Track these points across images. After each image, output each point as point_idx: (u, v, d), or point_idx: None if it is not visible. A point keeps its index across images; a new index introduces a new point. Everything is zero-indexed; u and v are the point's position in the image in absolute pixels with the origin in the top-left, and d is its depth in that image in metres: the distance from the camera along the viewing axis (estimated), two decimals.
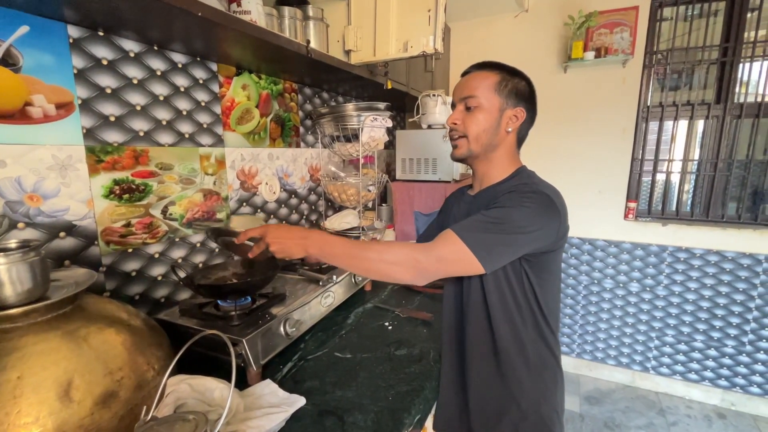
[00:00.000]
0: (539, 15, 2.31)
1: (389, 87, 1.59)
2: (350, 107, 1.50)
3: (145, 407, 0.58)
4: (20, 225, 0.79)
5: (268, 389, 0.82)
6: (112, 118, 0.94)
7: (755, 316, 2.11)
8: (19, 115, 0.78)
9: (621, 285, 2.39)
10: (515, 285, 0.79)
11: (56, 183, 0.84)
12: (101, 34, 0.90)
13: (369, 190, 1.71)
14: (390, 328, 1.14)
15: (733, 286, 2.13)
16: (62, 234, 0.86)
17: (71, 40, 0.85)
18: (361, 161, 1.61)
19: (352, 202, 1.67)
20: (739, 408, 2.21)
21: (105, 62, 0.91)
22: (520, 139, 0.88)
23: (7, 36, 0.75)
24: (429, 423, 0.98)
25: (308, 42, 1.14)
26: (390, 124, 1.58)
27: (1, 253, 0.59)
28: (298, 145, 1.60)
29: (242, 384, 0.83)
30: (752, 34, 2.00)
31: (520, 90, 0.83)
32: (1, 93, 0.74)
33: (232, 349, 0.59)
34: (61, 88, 0.84)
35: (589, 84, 2.27)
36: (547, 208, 0.75)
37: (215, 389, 0.71)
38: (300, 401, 0.78)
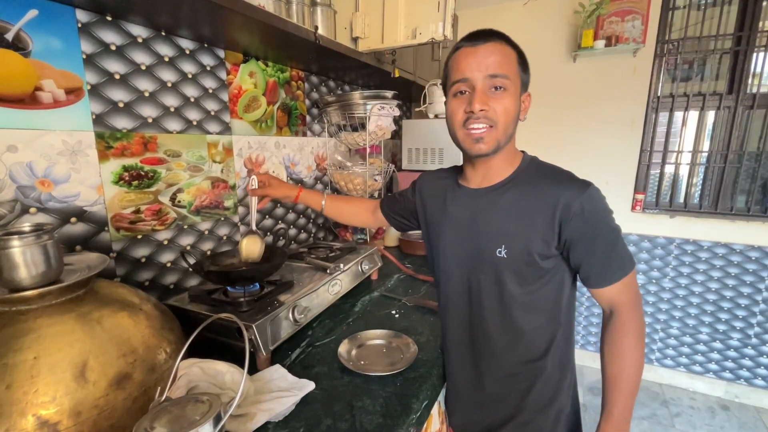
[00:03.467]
0: (549, 3, 2.27)
1: (396, 75, 1.58)
2: (357, 95, 1.49)
3: (159, 388, 0.58)
4: (32, 210, 0.80)
5: (277, 374, 0.83)
6: (121, 104, 0.93)
7: (762, 309, 2.10)
8: (30, 100, 0.78)
9: None
10: (567, 283, 0.79)
11: (67, 168, 0.84)
12: (109, 19, 0.89)
13: (375, 180, 1.70)
14: (397, 316, 1.15)
15: (740, 279, 2.12)
16: (73, 219, 0.86)
17: (80, 25, 0.84)
18: (368, 150, 1.61)
19: (358, 191, 1.66)
20: (743, 400, 2.21)
21: (113, 47, 0.91)
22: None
23: (16, 19, 0.75)
24: (435, 409, 0.99)
25: (316, 28, 1.13)
26: (397, 112, 1.57)
27: (16, 236, 0.59)
28: (304, 134, 1.59)
29: (252, 369, 0.84)
30: (767, 23, 1.95)
31: (528, 74, 0.78)
32: (12, 77, 0.74)
33: (245, 332, 0.60)
34: (71, 73, 0.84)
35: (598, 73, 2.24)
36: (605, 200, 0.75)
37: (226, 373, 0.71)
38: (309, 386, 0.79)
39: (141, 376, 0.64)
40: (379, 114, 1.52)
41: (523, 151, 0.84)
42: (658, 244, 2.27)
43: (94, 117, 0.88)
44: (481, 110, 0.71)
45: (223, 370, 0.71)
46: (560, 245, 0.74)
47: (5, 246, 0.58)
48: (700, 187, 2.23)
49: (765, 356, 2.14)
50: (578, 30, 2.15)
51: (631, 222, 2.31)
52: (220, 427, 0.51)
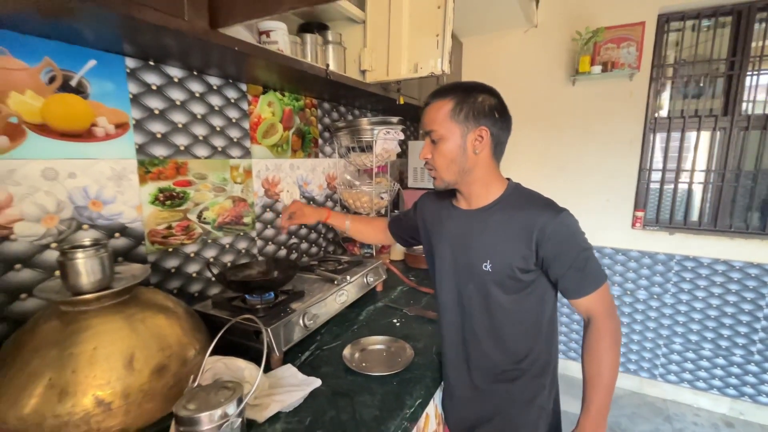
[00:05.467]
0: (548, 30, 2.40)
1: (401, 102, 1.71)
2: (365, 121, 1.63)
3: (192, 377, 0.70)
4: (84, 226, 0.94)
5: (288, 372, 0.94)
6: (159, 135, 1.08)
7: (764, 325, 2.13)
8: (87, 135, 0.93)
9: (628, 292, 2.43)
10: (549, 294, 0.90)
11: (113, 191, 0.99)
12: (152, 63, 1.05)
13: (382, 198, 1.82)
14: (398, 324, 1.25)
15: (741, 295, 2.16)
16: (117, 234, 1.00)
17: (128, 70, 1.00)
18: (375, 171, 1.74)
19: (365, 208, 1.79)
20: (749, 417, 2.22)
21: (154, 87, 1.06)
22: (498, 152, 0.89)
23: (79, 68, 0.91)
24: (431, 410, 1.08)
25: (327, 66, 1.27)
26: (402, 136, 1.70)
27: (80, 249, 0.73)
28: (316, 156, 1.73)
29: (266, 368, 0.95)
30: (759, 46, 2.04)
31: (477, 109, 0.83)
32: (74, 117, 0.90)
33: (264, 332, 0.71)
34: (119, 111, 0.99)
35: (597, 96, 2.34)
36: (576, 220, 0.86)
37: (245, 368, 0.83)
38: (316, 382, 0.90)
39: (176, 367, 0.76)
40: (385, 138, 1.65)
41: (508, 179, 0.94)
42: (658, 260, 2.33)
43: (137, 147, 1.03)
44: (425, 159, 0.90)
45: (242, 366, 0.83)
46: (538, 262, 0.84)
47: (72, 257, 0.72)
48: (699, 204, 2.29)
49: None
50: (576, 56, 2.26)
51: (631, 239, 2.38)
52: (241, 407, 0.63)
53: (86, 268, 0.73)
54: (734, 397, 2.24)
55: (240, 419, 0.63)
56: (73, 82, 0.90)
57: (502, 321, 0.89)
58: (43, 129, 0.85)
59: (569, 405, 1.60)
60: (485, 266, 0.87)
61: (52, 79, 0.86)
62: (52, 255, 0.88)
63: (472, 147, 0.85)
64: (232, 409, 0.61)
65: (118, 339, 0.71)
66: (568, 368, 2.66)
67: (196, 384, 0.68)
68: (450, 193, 1.00)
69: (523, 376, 0.91)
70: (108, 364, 0.68)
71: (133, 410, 0.69)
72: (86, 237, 0.92)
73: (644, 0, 2.13)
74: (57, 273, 0.88)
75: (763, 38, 2.03)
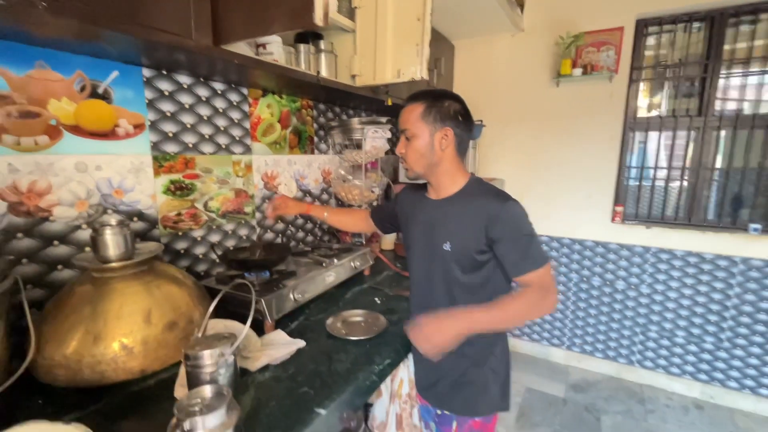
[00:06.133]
0: (534, 35, 2.54)
1: (389, 104, 1.87)
2: (355, 121, 1.79)
3: (197, 329, 0.88)
4: (109, 211, 1.12)
5: (278, 336, 1.11)
6: (170, 134, 1.26)
7: (732, 314, 2.26)
8: (111, 134, 1.10)
9: (608, 283, 2.57)
10: (498, 273, 1.03)
11: (133, 182, 1.16)
12: (165, 73, 1.22)
13: (372, 191, 1.99)
14: (379, 302, 1.42)
15: (711, 285, 2.29)
16: (135, 219, 1.18)
17: (145, 79, 1.17)
18: (364, 166, 1.90)
19: (356, 200, 1.95)
20: (718, 401, 2.35)
21: (166, 93, 1.24)
22: (462, 150, 1.04)
23: (104, 78, 1.08)
24: (405, 375, 1.25)
25: (318, 73, 1.43)
26: (389, 135, 1.86)
27: (108, 227, 0.90)
28: (312, 152, 1.90)
29: (260, 332, 1.13)
30: (731, 51, 2.16)
31: (444, 113, 0.98)
32: (101, 119, 1.07)
33: (259, 288, 0.88)
34: (138, 114, 1.16)
35: (579, 97, 2.47)
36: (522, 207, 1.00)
37: (240, 329, 1.00)
38: (301, 343, 1.07)
39: (184, 324, 0.94)
40: (373, 136, 1.81)
41: (472, 173, 1.11)
42: (636, 252, 2.46)
43: (152, 144, 1.21)
44: (400, 153, 1.07)
45: (238, 327, 1.00)
46: (488, 243, 1.00)
47: (102, 233, 0.89)
48: (674, 200, 2.42)
49: (737, 359, 2.28)
50: (559, 59, 2.40)
51: (611, 232, 2.51)
52: (233, 348, 0.80)
53: (113, 241, 0.90)
54: (705, 382, 2.38)
55: (234, 358, 0.80)
56: (100, 90, 1.07)
57: (459, 294, 1.05)
58: (76, 129, 1.03)
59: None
60: (445, 246, 1.02)
61: (83, 88, 1.04)
62: (82, 234, 1.06)
63: (439, 144, 1.01)
64: (227, 350, 0.78)
65: (139, 300, 0.89)
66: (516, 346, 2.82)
67: (200, 335, 0.85)
68: (424, 187, 1.17)
69: (477, 343, 1.06)
70: (131, 318, 0.86)
71: (150, 355, 0.86)
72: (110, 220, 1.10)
73: (623, 6, 2.26)
74: (87, 249, 1.06)
75: (734, 42, 2.15)
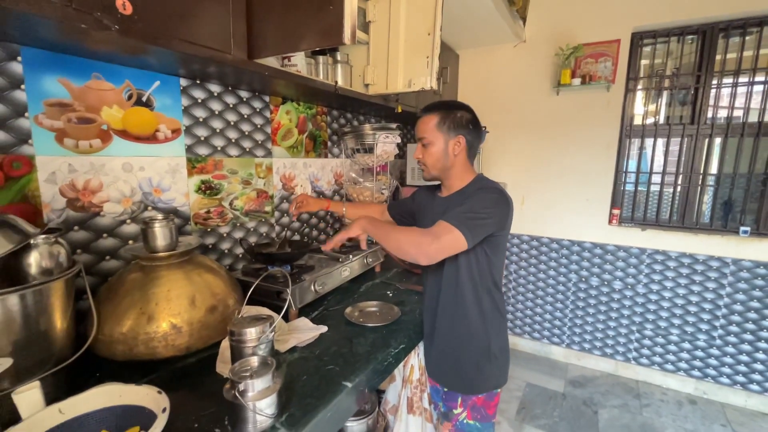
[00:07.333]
0: (535, 45, 2.66)
1: (399, 111, 1.99)
2: (367, 127, 1.90)
3: (236, 311, 0.98)
4: (149, 208, 1.23)
5: (302, 322, 1.22)
6: (202, 138, 1.37)
7: (724, 313, 2.36)
8: (152, 138, 1.22)
9: (606, 283, 2.68)
10: (480, 259, 1.14)
11: (169, 181, 1.28)
12: (198, 82, 1.34)
13: (382, 193, 2.10)
14: (391, 295, 1.53)
15: (704, 285, 2.40)
16: (171, 215, 1.29)
17: (181, 88, 1.29)
18: (375, 169, 2.01)
19: (367, 202, 2.06)
20: (711, 396, 2.45)
21: (199, 100, 1.35)
22: (471, 154, 1.17)
23: (148, 88, 1.20)
24: (416, 362, 1.35)
25: (336, 83, 1.55)
26: (399, 140, 1.98)
27: (156, 221, 1.01)
28: (326, 156, 2.01)
29: (285, 320, 1.23)
30: (723, 62, 2.28)
31: (457, 122, 1.11)
32: (145, 124, 1.19)
33: (290, 279, 0.99)
34: (175, 119, 1.28)
35: (578, 105, 2.59)
36: (499, 199, 1.08)
37: (270, 315, 1.11)
38: (324, 328, 1.18)
39: (222, 308, 1.05)
40: (384, 141, 1.92)
41: (479, 173, 1.22)
42: (632, 253, 2.57)
43: (186, 147, 1.32)
44: (417, 158, 1.19)
45: (268, 313, 1.11)
46: None
47: (152, 226, 1.00)
48: (669, 203, 2.53)
49: (728, 356, 2.39)
50: (559, 69, 2.52)
51: (608, 234, 2.63)
52: (273, 327, 0.90)
53: (161, 234, 1.01)
54: (699, 378, 2.48)
55: (272, 335, 0.91)
56: (144, 98, 1.19)
57: (460, 277, 1.15)
58: (123, 134, 1.15)
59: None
60: None
61: (129, 96, 1.15)
62: (127, 228, 1.17)
63: (453, 150, 1.14)
64: (267, 328, 0.89)
65: (184, 285, 1.00)
66: (517, 344, 2.91)
67: (240, 316, 0.96)
68: (437, 187, 1.31)
69: (466, 317, 1.14)
70: (178, 301, 0.97)
71: (195, 334, 0.97)
72: (150, 216, 1.21)
73: (620, 19, 2.39)
74: (130, 242, 1.17)
75: (725, 54, 2.27)
